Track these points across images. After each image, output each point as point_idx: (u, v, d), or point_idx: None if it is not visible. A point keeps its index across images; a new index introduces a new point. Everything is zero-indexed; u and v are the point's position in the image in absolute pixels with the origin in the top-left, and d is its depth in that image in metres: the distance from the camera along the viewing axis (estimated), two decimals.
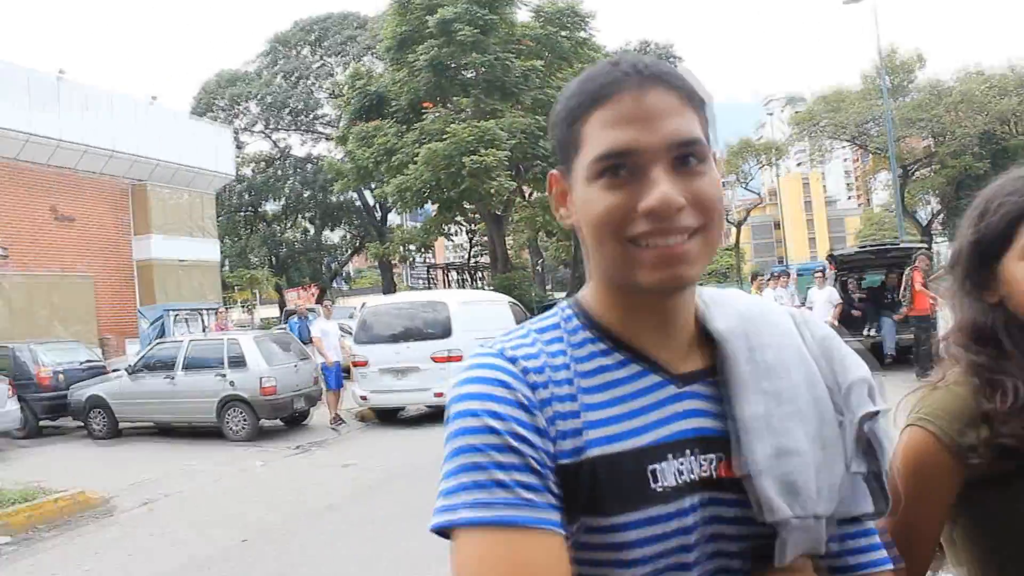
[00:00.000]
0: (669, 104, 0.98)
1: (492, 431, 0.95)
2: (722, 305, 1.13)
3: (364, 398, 14.39)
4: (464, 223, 39.82)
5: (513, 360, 1.02)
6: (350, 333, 15.81)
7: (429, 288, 36.28)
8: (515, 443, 0.95)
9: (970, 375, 1.36)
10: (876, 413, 1.08)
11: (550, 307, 1.16)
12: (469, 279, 41.28)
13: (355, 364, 14.42)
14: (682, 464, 1.02)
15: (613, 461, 0.99)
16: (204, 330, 20.91)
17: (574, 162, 1.03)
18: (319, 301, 28.32)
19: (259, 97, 44.26)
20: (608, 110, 0.98)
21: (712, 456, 1.04)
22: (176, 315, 21.84)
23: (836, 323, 14.82)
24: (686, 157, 0.98)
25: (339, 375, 14.55)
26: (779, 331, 1.12)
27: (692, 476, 1.02)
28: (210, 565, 6.91)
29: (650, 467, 1.00)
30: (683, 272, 0.98)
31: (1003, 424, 1.28)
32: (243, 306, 47.40)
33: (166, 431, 14.61)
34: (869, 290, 17.15)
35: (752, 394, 1.04)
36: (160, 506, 9.23)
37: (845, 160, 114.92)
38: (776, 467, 1.02)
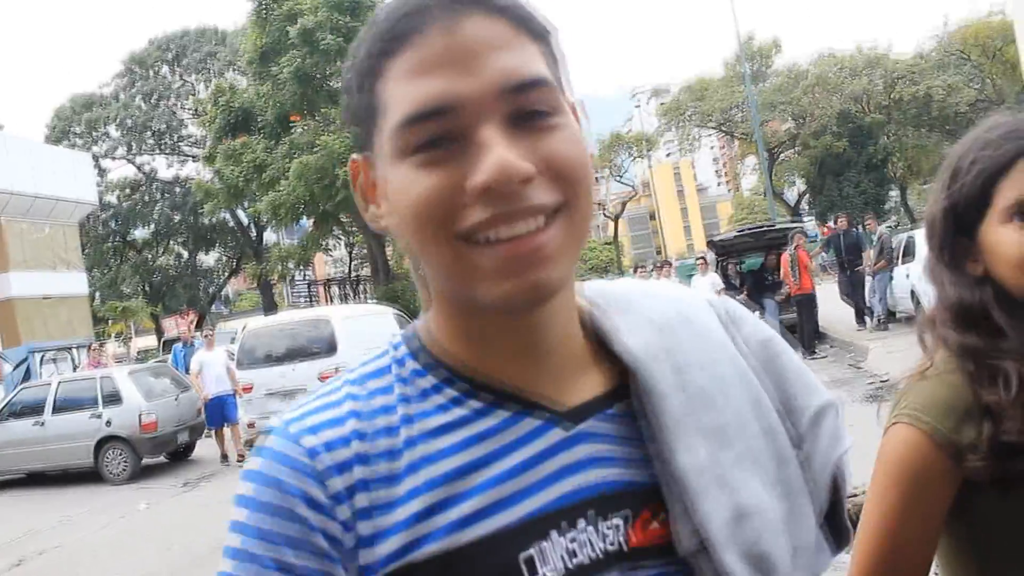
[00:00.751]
0: (495, 35, 0.70)
1: (255, 560, 0.71)
2: (623, 309, 0.84)
3: (251, 425, 13.78)
4: (342, 236, 39.16)
5: (297, 438, 0.74)
6: (231, 357, 15.21)
7: (311, 305, 35.62)
8: None
9: (963, 360, 1.16)
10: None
11: None
12: (352, 293, 40.62)
13: (240, 390, 13.88)
14: (575, 539, 0.72)
15: (464, 555, 0.70)
16: (76, 368, 19.83)
17: (374, 137, 0.75)
18: (198, 327, 27.37)
19: (118, 120, 42.66)
20: (410, 55, 0.70)
21: (619, 518, 0.75)
22: (43, 355, 20.67)
23: None
24: (529, 108, 0.70)
25: (233, 407, 13.08)
26: (709, 340, 0.84)
27: (593, 554, 0.73)
28: None
29: (523, 554, 0.71)
30: (543, 276, 0.69)
31: (1008, 418, 1.08)
32: (118, 339, 45.52)
33: (38, 479, 13.73)
34: (750, 273, 17.51)
35: (688, 436, 0.76)
36: (35, 566, 8.56)
37: (712, 147, 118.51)
38: (737, 535, 0.75)
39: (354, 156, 0.80)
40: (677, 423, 0.77)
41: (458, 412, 0.76)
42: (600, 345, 0.82)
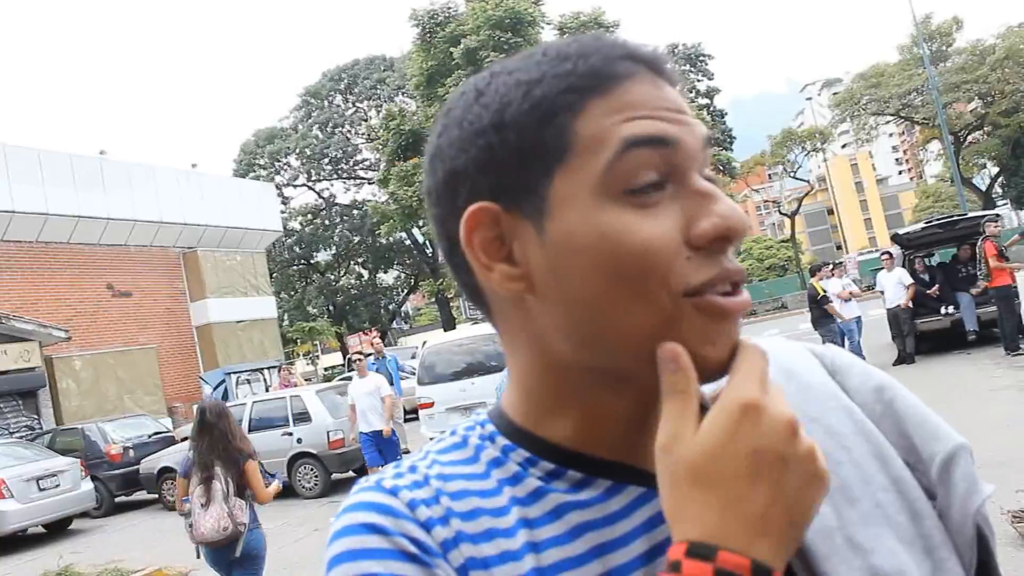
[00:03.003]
0: (682, 100, 0.68)
1: None
2: None
3: (433, 439, 14.16)
4: None
5: (395, 491, 0.69)
6: (412, 374, 15.59)
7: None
8: None
9: None
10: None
11: None
12: None
13: (421, 407, 14.18)
14: None
15: None
16: (267, 388, 20.91)
17: (553, 179, 0.65)
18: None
19: (297, 151, 44.98)
20: (622, 96, 0.64)
21: None
22: (238, 376, 21.89)
23: (911, 305, 14.27)
24: (709, 166, 0.68)
25: (391, 446, 11.24)
26: (817, 391, 0.76)
27: None
28: None
29: None
30: (736, 339, 0.65)
31: None
32: (306, 358, 47.77)
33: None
34: (941, 266, 16.48)
35: None
36: None
37: (891, 135, 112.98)
38: None
39: (478, 205, 0.67)
40: None
41: (559, 486, 0.70)
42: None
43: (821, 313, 14.22)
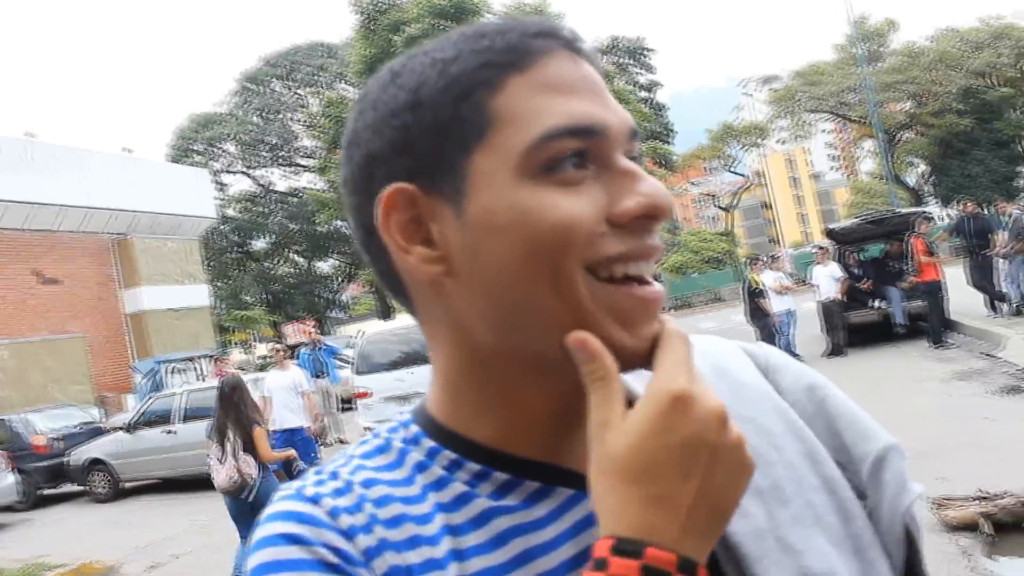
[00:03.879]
0: (602, 81, 0.67)
1: None
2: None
3: (369, 429, 14.01)
4: None
5: (316, 499, 0.66)
6: (349, 363, 15.45)
7: None
8: None
9: None
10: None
11: None
12: None
13: (358, 396, 14.10)
14: None
15: None
16: (201, 378, 20.56)
17: (472, 157, 0.63)
18: (320, 332, 27.96)
19: (235, 136, 44.32)
20: (543, 73, 0.63)
21: None
22: (171, 366, 21.51)
23: (843, 298, 14.59)
24: (633, 156, 0.66)
25: (308, 444, 10.31)
26: (750, 391, 0.75)
27: None
28: None
29: None
30: (656, 329, 0.63)
31: None
32: (242, 347, 47.14)
33: (171, 485, 14.27)
34: (872, 261, 16.87)
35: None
36: (169, 570, 8.86)
37: (826, 132, 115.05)
38: None
39: (394, 186, 0.65)
40: None
41: (484, 489, 0.67)
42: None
43: (756, 306, 14.47)
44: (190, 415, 13.63)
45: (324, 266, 50.45)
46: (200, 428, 13.24)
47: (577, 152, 0.61)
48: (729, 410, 0.59)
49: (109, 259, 26.30)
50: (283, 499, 0.67)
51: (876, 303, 15.17)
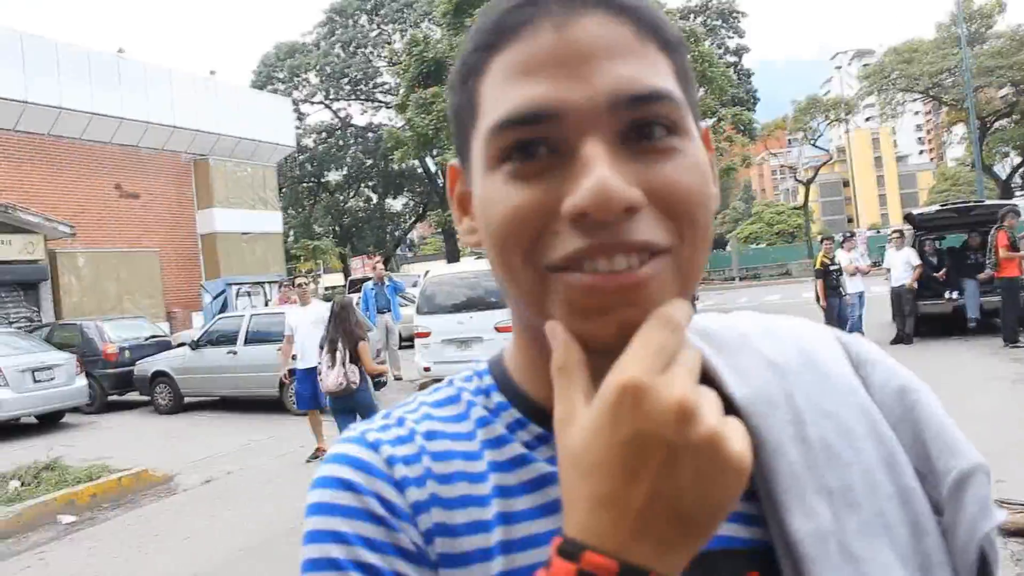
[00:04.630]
0: (616, 38, 0.59)
1: (333, 565, 0.63)
2: (737, 348, 0.73)
3: (427, 369, 14.22)
4: None
5: (376, 445, 0.68)
6: (412, 302, 15.61)
7: None
8: None
9: None
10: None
11: None
12: None
13: (418, 335, 14.24)
14: None
15: None
16: (267, 303, 20.97)
17: (472, 141, 0.65)
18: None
19: (318, 68, 44.54)
20: (515, 51, 0.60)
21: None
22: (239, 288, 21.94)
23: (916, 286, 14.24)
24: (646, 125, 0.59)
25: (314, 389, 9.43)
26: (836, 385, 0.71)
27: None
28: (267, 551, 6.77)
29: None
30: (632, 316, 0.57)
31: None
32: (308, 276, 47.87)
33: (229, 404, 14.67)
34: (950, 251, 16.40)
35: (808, 495, 0.64)
36: (221, 485, 9.15)
37: (916, 114, 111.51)
38: None
39: (452, 162, 0.73)
40: (795, 480, 0.65)
41: (543, 453, 0.68)
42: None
43: (827, 284, 14.16)
44: (252, 338, 13.94)
45: (395, 203, 50.81)
46: (261, 351, 13.61)
47: (526, 142, 0.59)
48: (813, 408, 0.58)
49: (187, 179, 26.86)
50: (346, 441, 0.70)
51: (950, 294, 14.76)
